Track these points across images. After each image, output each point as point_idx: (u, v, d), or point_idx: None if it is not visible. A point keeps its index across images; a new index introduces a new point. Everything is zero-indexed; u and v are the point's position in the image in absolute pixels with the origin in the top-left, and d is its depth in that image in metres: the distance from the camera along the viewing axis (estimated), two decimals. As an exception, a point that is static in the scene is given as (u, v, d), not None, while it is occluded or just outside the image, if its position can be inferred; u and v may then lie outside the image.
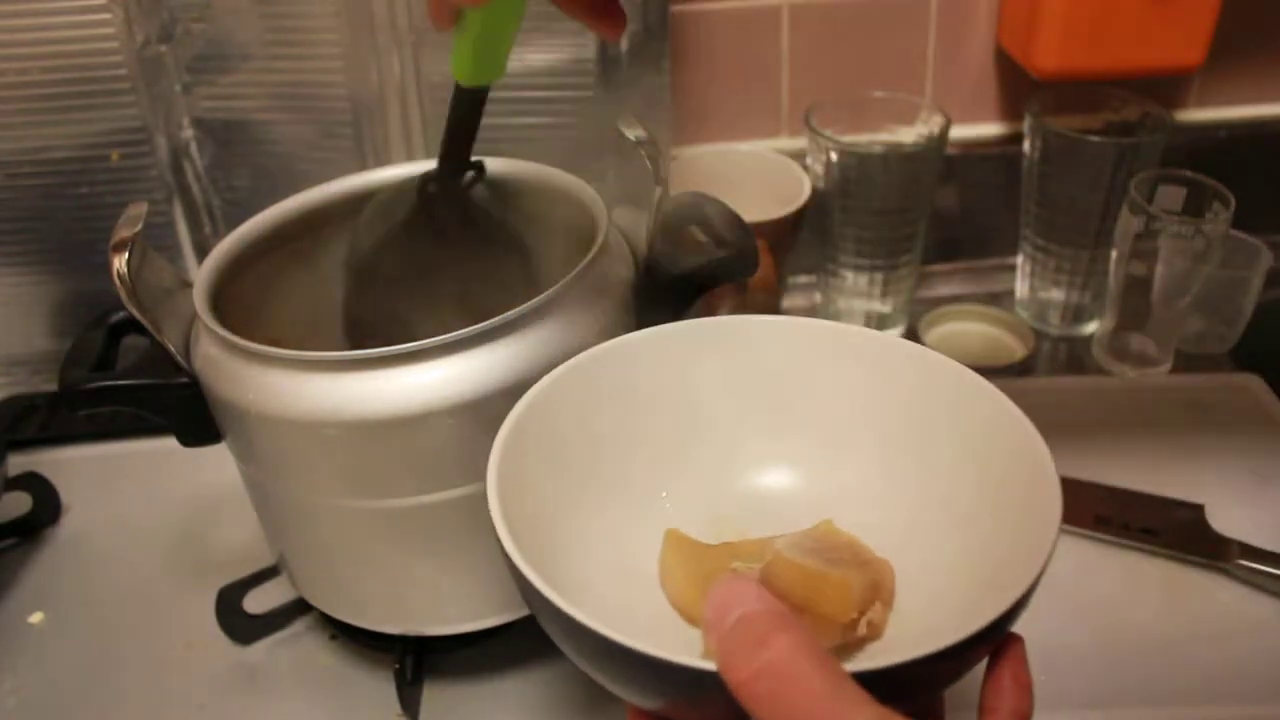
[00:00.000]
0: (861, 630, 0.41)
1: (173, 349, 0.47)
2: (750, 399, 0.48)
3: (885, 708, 0.27)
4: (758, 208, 0.68)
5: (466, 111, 0.48)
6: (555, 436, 0.43)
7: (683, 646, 0.41)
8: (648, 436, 0.47)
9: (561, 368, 0.44)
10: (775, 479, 0.48)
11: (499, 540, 0.36)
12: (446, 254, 0.52)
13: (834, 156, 0.71)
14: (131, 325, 0.48)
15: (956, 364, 0.44)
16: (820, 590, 0.40)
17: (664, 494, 0.47)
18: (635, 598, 0.43)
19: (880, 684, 0.29)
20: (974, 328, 0.78)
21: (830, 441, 0.47)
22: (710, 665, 0.30)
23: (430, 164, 0.56)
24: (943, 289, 0.83)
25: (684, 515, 0.46)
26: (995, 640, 0.34)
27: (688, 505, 0.47)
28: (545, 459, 0.43)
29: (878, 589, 0.42)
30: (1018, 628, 0.35)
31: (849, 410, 0.47)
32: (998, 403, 0.42)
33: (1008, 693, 0.34)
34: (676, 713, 0.34)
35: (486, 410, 0.43)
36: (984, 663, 0.35)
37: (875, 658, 0.31)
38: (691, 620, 0.43)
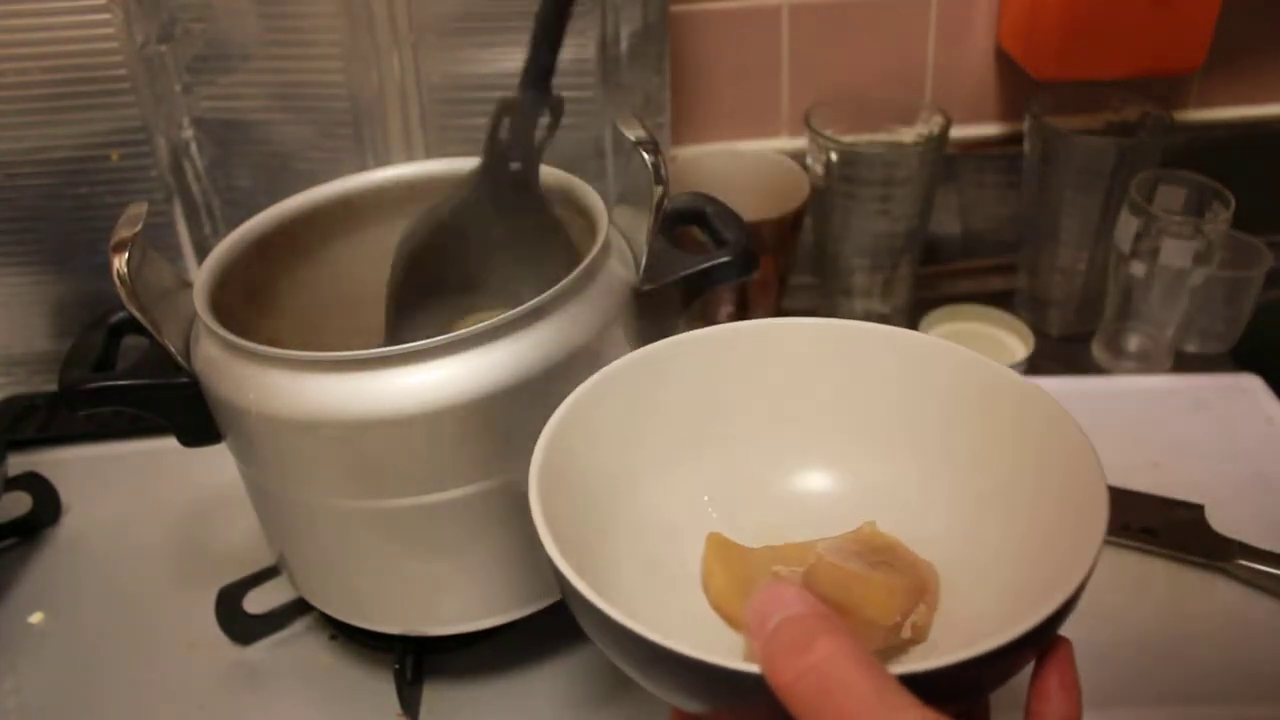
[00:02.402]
0: (905, 633, 0.41)
1: (173, 349, 0.47)
2: (793, 402, 0.47)
3: (931, 710, 0.27)
4: (758, 208, 0.68)
5: (561, 11, 0.45)
6: (597, 441, 0.43)
7: (725, 650, 0.41)
8: (689, 440, 0.47)
9: (601, 373, 0.44)
10: (817, 482, 0.48)
11: (543, 545, 0.36)
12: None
13: (834, 156, 0.71)
14: (131, 325, 0.48)
15: (994, 363, 0.44)
16: (863, 593, 0.40)
17: (706, 498, 0.47)
18: (678, 601, 0.43)
19: (925, 686, 0.28)
20: (974, 328, 0.77)
21: (873, 444, 0.47)
22: (754, 668, 0.29)
23: (431, 164, 0.57)
24: (943, 289, 0.83)
25: (726, 519, 0.46)
26: (1041, 643, 0.34)
27: (730, 509, 0.47)
28: (588, 463, 0.43)
29: (921, 591, 0.42)
30: None
31: (891, 412, 0.46)
32: (1040, 402, 0.41)
33: (1054, 696, 0.33)
34: (720, 716, 0.34)
35: (486, 410, 0.43)
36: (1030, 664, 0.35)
37: (920, 660, 0.31)
38: (734, 624, 0.43)
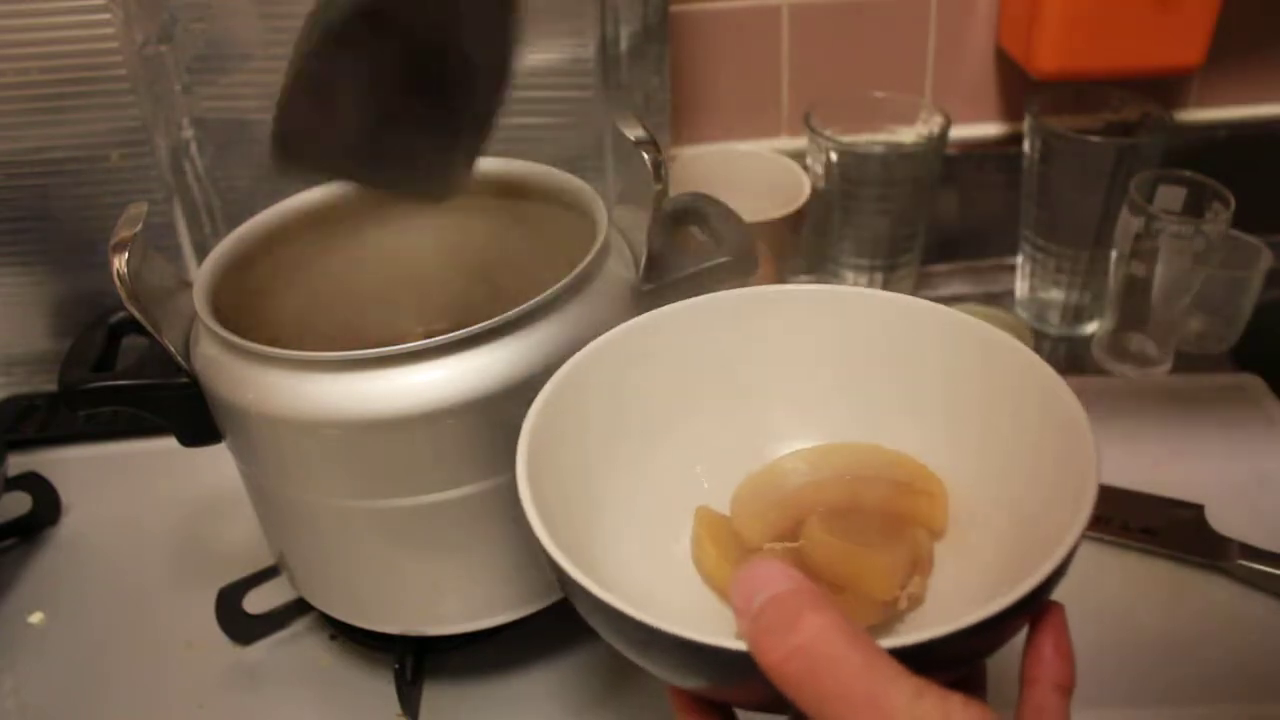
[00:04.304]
0: (902, 605, 0.41)
1: (173, 349, 0.47)
2: (784, 368, 0.47)
3: (922, 679, 0.27)
4: (758, 208, 0.68)
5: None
6: (584, 418, 0.43)
7: (718, 626, 0.41)
8: (678, 412, 0.47)
9: (584, 350, 0.44)
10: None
11: (530, 524, 0.36)
12: None
13: (834, 156, 0.71)
14: (131, 325, 0.48)
15: (985, 325, 0.44)
16: (860, 570, 0.40)
17: (698, 468, 0.47)
18: (673, 575, 0.44)
19: (917, 658, 0.29)
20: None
21: (866, 409, 0.47)
22: (743, 647, 0.30)
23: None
24: (943, 289, 0.83)
25: (719, 489, 0.46)
26: (1033, 610, 0.34)
27: (722, 479, 0.47)
28: (575, 441, 0.43)
29: (916, 561, 0.42)
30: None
31: (884, 377, 0.47)
32: (1031, 365, 0.41)
33: (1049, 661, 0.33)
34: (715, 694, 0.34)
35: (486, 410, 0.43)
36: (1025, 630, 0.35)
37: (915, 628, 0.31)
38: (728, 598, 0.42)
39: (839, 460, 0.46)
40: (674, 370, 0.46)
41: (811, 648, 0.28)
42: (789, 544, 0.43)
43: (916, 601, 0.41)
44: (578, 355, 0.43)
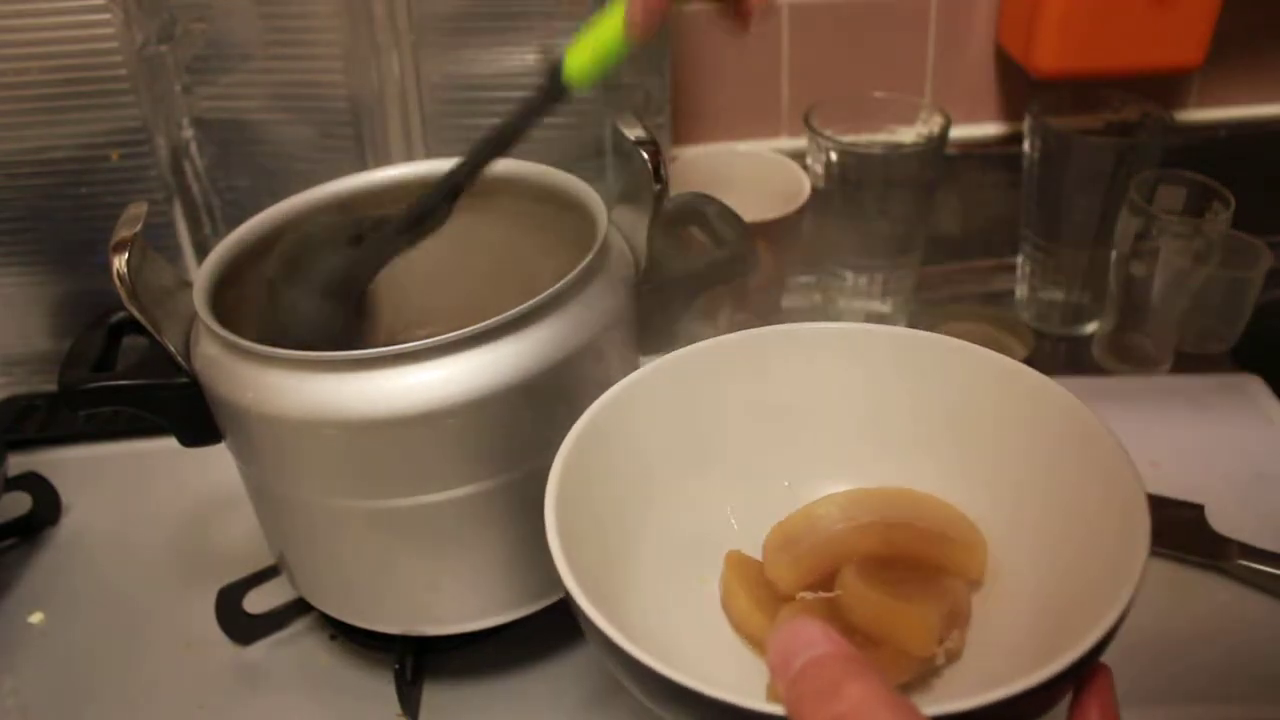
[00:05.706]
0: (940, 660, 0.40)
1: (173, 349, 0.47)
2: (813, 409, 0.47)
3: None
4: (758, 208, 0.68)
5: (546, 109, 0.45)
6: (611, 460, 0.43)
7: (745, 674, 0.40)
8: (710, 451, 0.46)
9: (618, 386, 0.43)
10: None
11: (560, 575, 0.35)
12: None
13: (834, 156, 0.71)
14: (131, 325, 0.48)
15: (1036, 374, 0.43)
16: (899, 625, 0.40)
17: (728, 509, 0.46)
18: (698, 620, 0.43)
19: None
20: (974, 328, 0.77)
21: (900, 451, 0.46)
22: (779, 710, 0.29)
23: (431, 164, 0.57)
24: (943, 289, 0.83)
25: (748, 532, 0.46)
26: (1080, 675, 0.33)
27: (752, 521, 0.46)
28: (603, 483, 0.42)
29: (954, 614, 0.41)
30: None
31: (918, 419, 0.46)
32: (1080, 416, 0.40)
33: None
34: None
35: (486, 410, 0.43)
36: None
37: (952, 683, 0.30)
38: (757, 646, 0.42)
39: (873, 505, 0.45)
40: (702, 411, 0.46)
41: (854, 717, 0.27)
42: (823, 593, 0.42)
43: (954, 656, 0.40)
44: (603, 397, 0.43)
